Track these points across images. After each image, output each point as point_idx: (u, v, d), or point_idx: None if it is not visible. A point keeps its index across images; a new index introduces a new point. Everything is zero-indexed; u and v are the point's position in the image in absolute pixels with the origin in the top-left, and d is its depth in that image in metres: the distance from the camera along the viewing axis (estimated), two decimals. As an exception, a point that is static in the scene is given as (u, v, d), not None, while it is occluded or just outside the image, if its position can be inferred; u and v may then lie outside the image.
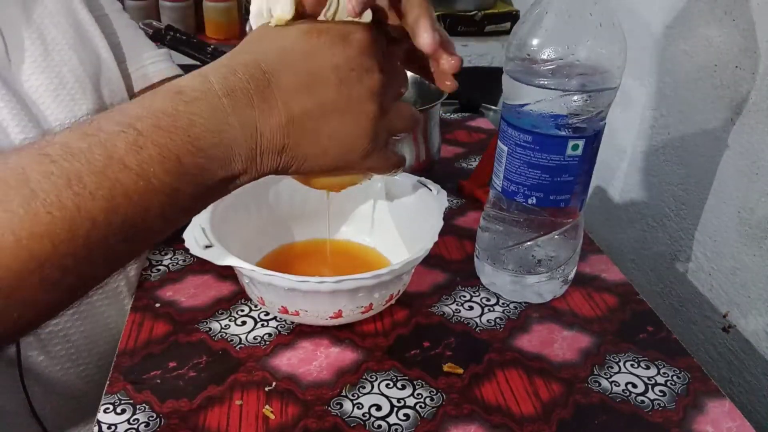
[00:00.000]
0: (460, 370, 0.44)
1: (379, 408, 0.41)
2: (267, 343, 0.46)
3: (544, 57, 0.43)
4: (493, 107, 1.03)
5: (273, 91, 0.33)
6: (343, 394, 0.42)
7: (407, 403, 0.42)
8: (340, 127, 0.35)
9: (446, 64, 0.38)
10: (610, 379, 0.44)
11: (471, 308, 0.51)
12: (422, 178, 0.54)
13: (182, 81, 0.32)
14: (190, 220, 0.44)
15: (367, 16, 0.36)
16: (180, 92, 0.31)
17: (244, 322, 0.48)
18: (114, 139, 0.28)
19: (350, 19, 0.35)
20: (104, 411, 0.40)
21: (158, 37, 0.71)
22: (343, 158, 0.36)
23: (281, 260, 0.54)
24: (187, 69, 0.42)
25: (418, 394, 0.42)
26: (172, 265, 0.55)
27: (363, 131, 0.35)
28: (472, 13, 1.21)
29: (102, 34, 0.53)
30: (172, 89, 0.31)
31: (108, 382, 0.42)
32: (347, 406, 0.41)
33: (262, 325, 0.48)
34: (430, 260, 0.56)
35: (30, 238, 0.26)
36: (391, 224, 0.55)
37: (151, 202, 0.29)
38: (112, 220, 0.28)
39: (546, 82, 0.43)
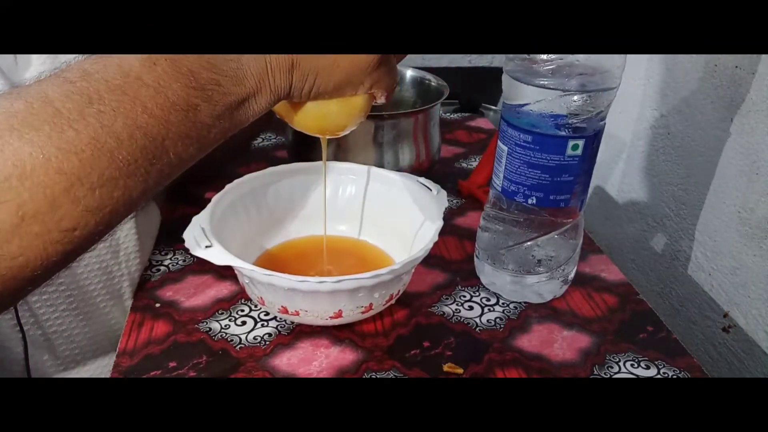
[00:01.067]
0: (460, 370, 0.44)
1: (379, 408, 0.41)
2: (267, 343, 0.46)
3: (544, 57, 0.43)
4: (493, 107, 1.03)
5: None
6: (343, 394, 0.42)
7: (407, 403, 0.42)
8: None
9: None
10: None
11: (471, 308, 0.51)
12: (422, 178, 0.54)
13: None
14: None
15: None
16: None
17: (244, 322, 0.48)
18: (128, 58, 0.29)
19: None
20: (104, 411, 0.40)
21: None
22: (354, 69, 0.36)
23: (281, 259, 0.54)
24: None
25: (418, 394, 0.42)
26: (172, 265, 0.55)
27: None
28: (472, 13, 1.21)
29: None
30: None
31: (108, 382, 0.42)
32: (347, 406, 0.41)
33: (262, 325, 0.48)
34: (430, 260, 0.56)
35: (58, 155, 0.27)
36: (390, 224, 0.55)
37: (171, 118, 0.30)
38: (135, 136, 0.29)
39: (546, 82, 0.43)
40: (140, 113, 0.29)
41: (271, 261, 0.54)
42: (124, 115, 0.29)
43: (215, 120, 0.33)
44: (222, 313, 0.49)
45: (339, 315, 0.45)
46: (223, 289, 0.52)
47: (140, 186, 0.30)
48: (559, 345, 0.48)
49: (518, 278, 0.51)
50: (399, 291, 0.48)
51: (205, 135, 0.33)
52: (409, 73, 0.73)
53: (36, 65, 0.47)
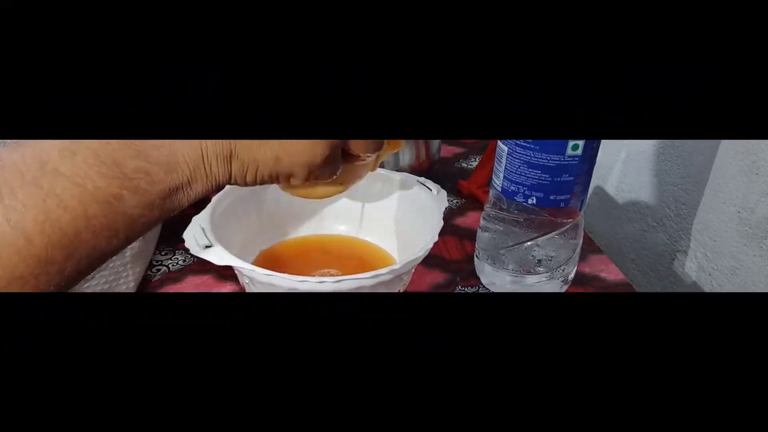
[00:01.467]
0: (460, 370, 0.44)
1: (379, 408, 0.41)
2: (267, 343, 0.46)
3: (544, 57, 0.43)
4: (493, 107, 1.03)
5: None
6: (343, 394, 0.42)
7: (407, 403, 0.41)
8: None
9: None
10: (610, 379, 0.44)
11: (471, 308, 0.51)
12: (422, 178, 0.54)
13: None
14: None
15: None
16: None
17: (244, 322, 0.48)
18: (47, 147, 0.28)
19: None
20: (104, 411, 0.40)
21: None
22: (301, 166, 0.34)
23: (281, 259, 0.54)
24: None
25: (418, 394, 0.42)
26: (172, 265, 0.55)
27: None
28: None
29: None
30: None
31: (108, 382, 0.42)
32: (347, 406, 0.41)
33: (262, 325, 0.48)
34: (430, 260, 0.56)
35: None
36: (391, 224, 0.55)
37: (90, 210, 0.28)
38: (46, 232, 0.27)
39: (546, 82, 0.43)
40: (54, 207, 0.27)
41: (271, 261, 0.54)
42: (34, 210, 0.27)
43: (143, 210, 0.30)
44: (222, 313, 0.49)
45: (339, 315, 0.45)
46: (223, 289, 0.52)
47: (55, 279, 0.29)
48: (559, 345, 0.47)
49: (518, 278, 0.51)
50: (399, 291, 0.48)
51: (131, 225, 0.31)
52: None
53: None
